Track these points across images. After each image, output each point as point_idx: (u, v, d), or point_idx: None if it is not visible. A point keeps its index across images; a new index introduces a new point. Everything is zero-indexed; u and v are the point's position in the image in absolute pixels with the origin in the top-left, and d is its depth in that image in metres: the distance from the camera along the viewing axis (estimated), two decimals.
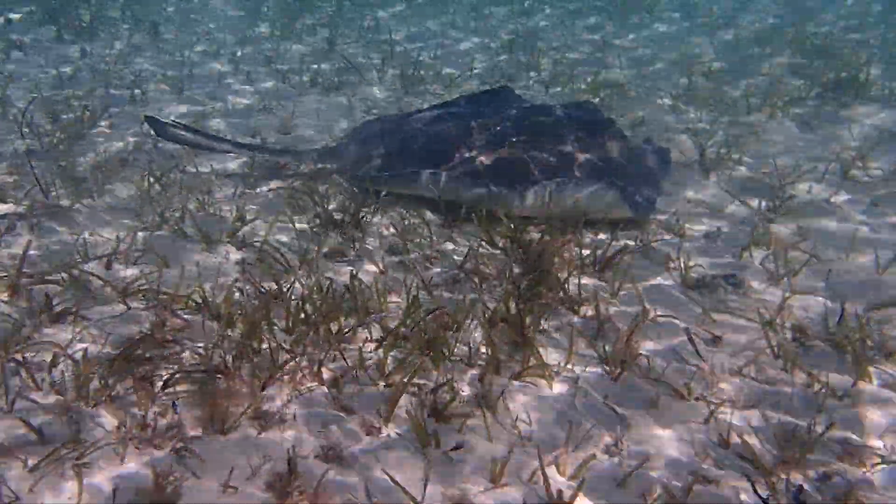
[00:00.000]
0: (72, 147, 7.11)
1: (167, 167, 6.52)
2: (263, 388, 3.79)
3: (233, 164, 6.84)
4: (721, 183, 6.76)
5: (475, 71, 10.51)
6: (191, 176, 6.49)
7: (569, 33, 12.91)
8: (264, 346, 4.02)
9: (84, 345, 3.98)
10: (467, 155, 6.00)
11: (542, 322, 4.50)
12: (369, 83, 9.91)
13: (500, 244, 5.38)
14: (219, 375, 3.73)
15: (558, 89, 9.76)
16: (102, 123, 7.89)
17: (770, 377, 4.05)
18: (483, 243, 5.41)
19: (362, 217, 5.74)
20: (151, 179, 6.15)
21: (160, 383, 3.69)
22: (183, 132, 6.41)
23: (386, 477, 3.22)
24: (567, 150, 5.97)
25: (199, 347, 3.99)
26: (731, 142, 7.49)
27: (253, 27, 12.75)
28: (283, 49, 11.42)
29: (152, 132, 6.68)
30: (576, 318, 4.60)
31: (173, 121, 6.60)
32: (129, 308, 4.45)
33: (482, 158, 5.93)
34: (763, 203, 6.21)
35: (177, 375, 3.71)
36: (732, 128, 8.17)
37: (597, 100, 9.12)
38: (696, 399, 3.87)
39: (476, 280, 4.97)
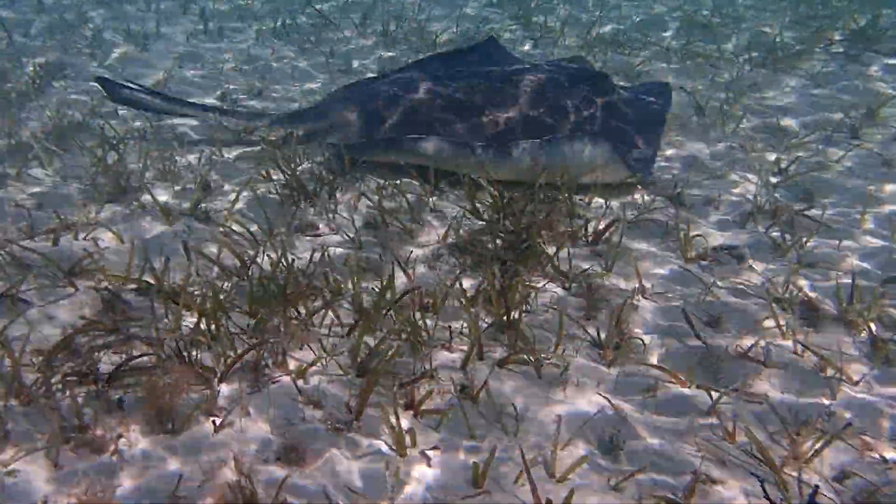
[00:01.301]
0: (21, 108, 6.67)
1: (125, 132, 6.10)
2: (221, 381, 3.48)
3: (197, 130, 6.42)
4: (722, 139, 6.42)
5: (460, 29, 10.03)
6: (150, 141, 6.08)
7: None
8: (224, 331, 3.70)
9: (21, 331, 3.64)
10: (451, 117, 5.64)
11: (530, 300, 4.19)
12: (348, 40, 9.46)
13: (486, 215, 5.04)
14: (171, 367, 3.40)
15: (548, 48, 9.33)
16: (56, 84, 7.44)
17: (778, 361, 3.77)
18: (467, 214, 5.07)
19: (337, 186, 5.38)
20: (106, 146, 5.73)
21: (105, 376, 3.36)
22: (139, 94, 5.97)
23: (355, 481, 2.94)
24: (558, 107, 5.62)
25: (151, 335, 3.65)
26: (732, 98, 7.12)
27: None
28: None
29: (105, 94, 6.23)
30: (566, 295, 4.30)
31: (128, 82, 6.14)
32: (77, 290, 4.10)
33: (466, 120, 5.58)
34: (768, 165, 5.89)
35: (124, 367, 3.38)
36: (734, 85, 7.80)
37: (590, 56, 8.71)
38: (698, 387, 3.59)
39: (459, 255, 4.64)
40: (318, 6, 10.34)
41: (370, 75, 7.59)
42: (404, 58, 8.57)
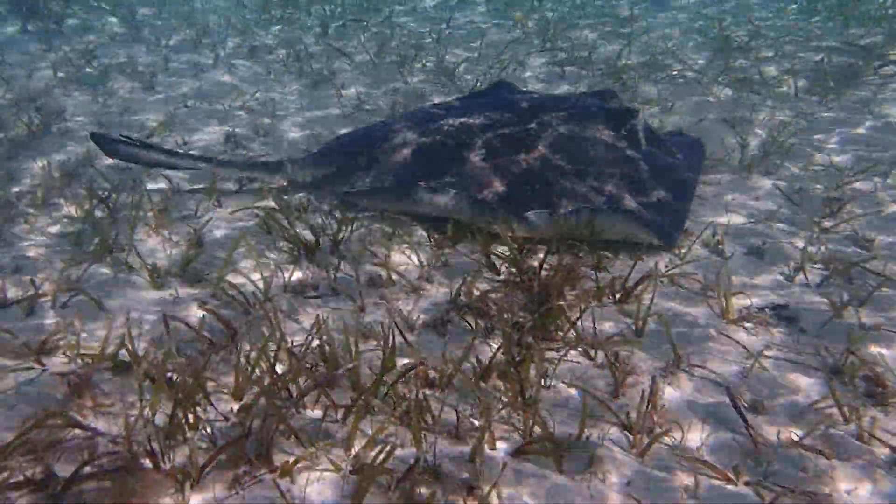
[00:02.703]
0: (12, 158, 6.50)
1: (117, 184, 5.86)
2: (197, 481, 3.13)
3: (194, 177, 6.17)
4: (764, 183, 5.98)
5: (481, 54, 9.74)
6: (143, 194, 5.82)
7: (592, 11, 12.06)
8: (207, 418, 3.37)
9: None
10: (465, 167, 5.29)
11: (550, 373, 3.80)
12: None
13: (502, 271, 4.68)
14: (138, 470, 3.07)
15: (573, 70, 8.99)
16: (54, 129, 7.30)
17: (840, 451, 3.31)
18: (482, 268, 4.71)
19: (341, 240, 5.06)
20: (95, 201, 5.48)
21: (61, 483, 3.04)
22: (136, 149, 5.72)
23: None
24: (584, 156, 5.23)
25: (118, 433, 3.32)
26: (776, 131, 6.67)
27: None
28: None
29: (101, 151, 5.98)
30: (590, 367, 3.89)
31: (123, 136, 5.88)
32: (45, 369, 3.81)
33: (482, 171, 5.22)
34: (818, 209, 5.44)
35: (82, 471, 3.05)
36: (777, 113, 7.37)
37: (619, 84, 8.36)
38: (747, 484, 3.14)
39: (470, 317, 4.27)
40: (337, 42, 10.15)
41: (378, 119, 7.32)
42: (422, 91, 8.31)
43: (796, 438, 3.35)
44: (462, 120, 5.57)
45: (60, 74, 9.00)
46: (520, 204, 4.91)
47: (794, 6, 11.37)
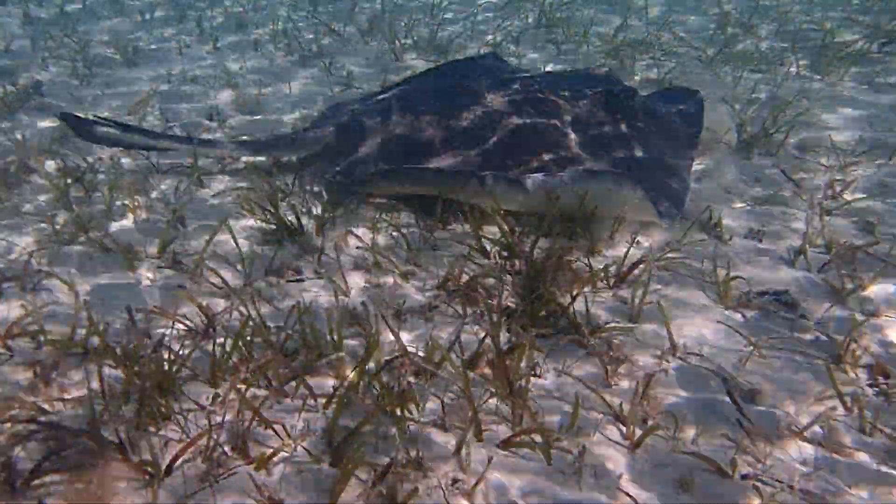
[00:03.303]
0: None
1: (93, 162, 5.69)
2: (168, 473, 3.01)
3: (172, 155, 5.99)
4: (764, 162, 5.84)
5: (481, 33, 9.53)
6: (120, 172, 5.65)
7: None
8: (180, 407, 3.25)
9: None
10: (457, 143, 5.13)
11: (540, 362, 3.68)
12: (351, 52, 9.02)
13: (493, 255, 4.54)
14: (105, 461, 2.95)
15: (571, 48, 8.80)
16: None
17: (843, 443, 3.20)
18: (472, 251, 4.57)
19: (326, 222, 4.91)
20: (69, 178, 5.30)
21: (24, 475, 2.91)
22: (110, 130, 5.52)
23: None
24: (578, 131, 5.10)
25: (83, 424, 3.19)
26: (776, 110, 6.51)
27: None
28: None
29: (73, 133, 5.79)
30: (583, 354, 3.76)
31: (96, 117, 5.67)
32: (11, 354, 3.67)
33: (474, 146, 5.07)
34: (820, 191, 5.30)
35: (46, 463, 2.93)
36: (778, 91, 7.21)
37: (615, 62, 8.19)
38: (744, 478, 3.03)
39: (459, 302, 4.14)
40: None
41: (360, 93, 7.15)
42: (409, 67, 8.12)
43: (796, 430, 3.24)
44: (449, 99, 5.40)
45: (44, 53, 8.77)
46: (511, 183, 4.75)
47: None
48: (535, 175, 4.65)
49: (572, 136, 5.09)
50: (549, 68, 8.12)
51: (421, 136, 5.23)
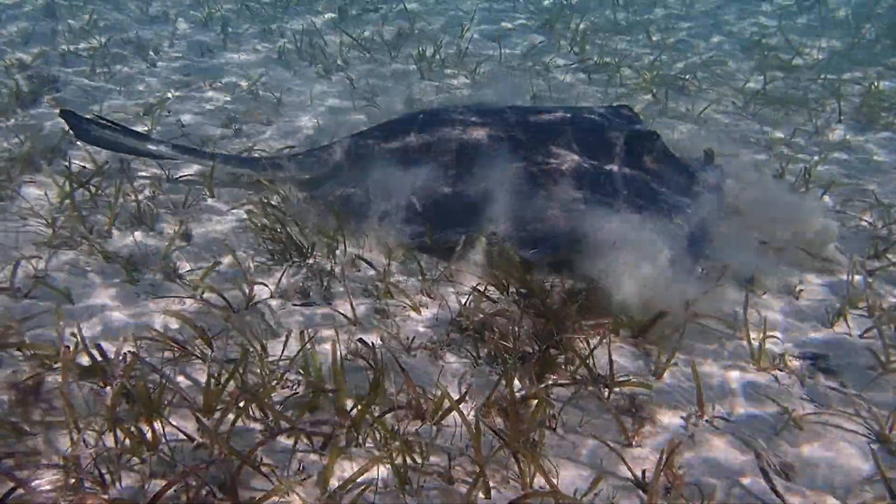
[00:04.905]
0: None
1: (102, 166, 5.55)
2: None
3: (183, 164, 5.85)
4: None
5: (507, 51, 9.40)
6: (126, 178, 5.49)
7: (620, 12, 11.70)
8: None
9: None
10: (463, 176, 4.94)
11: (556, 414, 3.47)
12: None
13: (512, 290, 4.35)
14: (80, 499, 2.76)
15: (604, 78, 8.65)
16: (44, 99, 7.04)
17: None
18: (486, 289, 4.38)
19: (336, 247, 4.73)
20: (73, 184, 5.15)
21: None
22: (109, 133, 5.34)
23: None
24: (591, 179, 4.84)
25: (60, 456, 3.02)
26: (816, 162, 6.32)
27: None
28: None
29: (70, 132, 5.63)
30: (602, 409, 3.55)
31: (98, 117, 5.47)
32: None
33: (480, 182, 4.86)
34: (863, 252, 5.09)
35: (20, 492, 2.74)
36: (818, 141, 7.02)
37: (650, 96, 8.03)
38: None
39: (472, 340, 3.94)
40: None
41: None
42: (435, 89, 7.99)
43: None
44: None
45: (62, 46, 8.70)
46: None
47: (837, 30, 11.00)
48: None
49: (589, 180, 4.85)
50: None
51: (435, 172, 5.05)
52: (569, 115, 5.28)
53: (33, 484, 2.77)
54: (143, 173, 5.68)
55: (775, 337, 4.13)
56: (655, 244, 4.14)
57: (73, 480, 2.80)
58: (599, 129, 5.14)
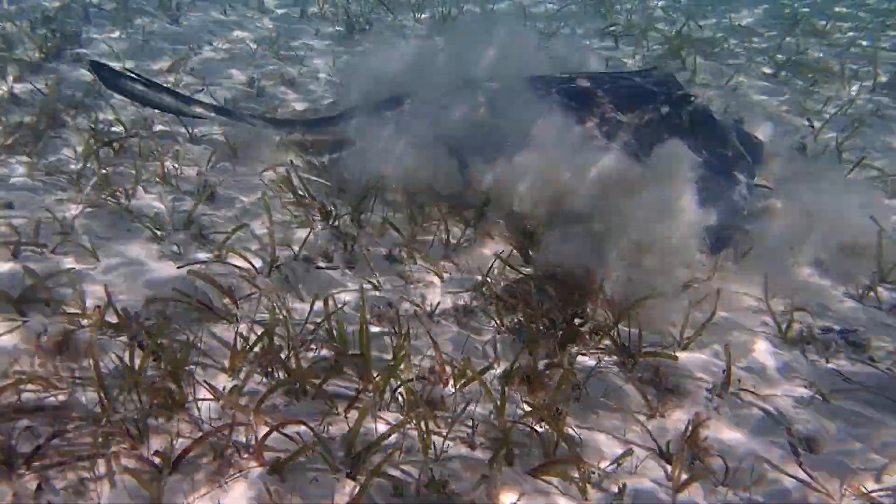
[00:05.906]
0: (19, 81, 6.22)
1: (127, 124, 5.54)
2: (174, 469, 2.86)
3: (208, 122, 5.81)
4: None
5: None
6: (151, 136, 5.48)
7: None
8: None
9: None
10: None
11: (581, 385, 3.46)
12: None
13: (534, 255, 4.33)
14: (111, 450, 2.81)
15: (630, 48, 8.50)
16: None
17: None
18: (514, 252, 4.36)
19: (362, 210, 4.71)
20: (99, 141, 5.15)
21: (25, 456, 2.78)
22: (137, 85, 5.35)
23: None
24: (635, 138, 4.84)
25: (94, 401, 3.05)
26: (848, 128, 6.19)
27: None
28: None
29: (98, 82, 5.64)
30: (627, 380, 3.54)
31: (126, 70, 5.48)
32: (26, 321, 3.54)
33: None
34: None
35: (46, 446, 2.79)
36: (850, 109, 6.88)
37: (679, 61, 7.89)
38: None
39: (496, 306, 3.93)
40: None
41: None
42: None
43: (864, 491, 3.00)
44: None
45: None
46: None
47: None
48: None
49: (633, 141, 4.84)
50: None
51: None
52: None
53: (68, 436, 2.82)
54: (163, 128, 5.67)
55: (804, 310, 4.09)
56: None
57: (104, 437, 2.85)
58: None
